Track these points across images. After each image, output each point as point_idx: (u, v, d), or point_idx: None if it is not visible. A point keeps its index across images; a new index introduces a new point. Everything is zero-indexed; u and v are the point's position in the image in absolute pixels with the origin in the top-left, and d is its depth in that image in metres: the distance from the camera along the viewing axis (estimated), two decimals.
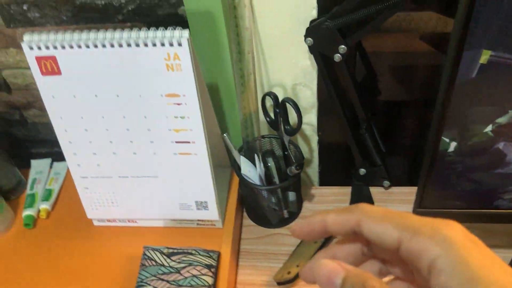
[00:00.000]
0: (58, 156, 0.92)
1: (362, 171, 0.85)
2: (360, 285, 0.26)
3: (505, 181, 0.57)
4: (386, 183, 0.86)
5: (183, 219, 0.78)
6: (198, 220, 0.78)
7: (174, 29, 0.58)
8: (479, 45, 0.44)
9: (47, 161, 0.93)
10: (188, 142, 0.68)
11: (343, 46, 0.68)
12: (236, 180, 0.86)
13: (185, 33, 0.59)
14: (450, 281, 0.25)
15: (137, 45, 0.60)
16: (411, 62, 0.89)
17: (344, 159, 0.92)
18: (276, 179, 0.80)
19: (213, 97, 0.75)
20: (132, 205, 0.77)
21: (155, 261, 0.70)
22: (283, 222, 0.85)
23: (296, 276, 0.75)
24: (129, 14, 0.69)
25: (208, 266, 0.70)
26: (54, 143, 0.91)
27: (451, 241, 0.27)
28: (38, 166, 0.92)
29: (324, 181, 0.94)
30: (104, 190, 0.75)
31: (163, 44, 0.59)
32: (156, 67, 0.61)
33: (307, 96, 0.80)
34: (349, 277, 0.27)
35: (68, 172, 0.91)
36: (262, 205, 0.81)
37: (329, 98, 0.76)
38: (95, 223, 0.81)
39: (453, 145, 0.54)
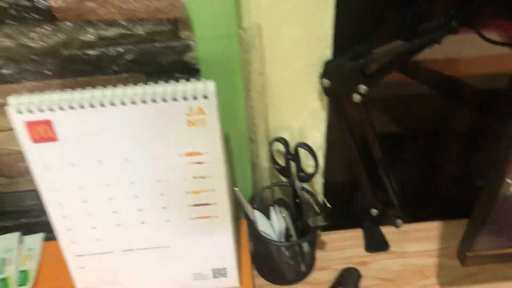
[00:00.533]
0: (27, 228, 0.79)
1: (375, 211, 0.81)
2: None
3: None
4: (399, 222, 0.82)
5: None
6: None
7: (183, 79, 0.51)
8: None
9: (15, 235, 0.79)
10: (209, 204, 0.60)
11: (364, 86, 0.64)
12: (245, 235, 0.78)
13: (211, 85, 0.51)
14: None
15: (154, 100, 0.51)
16: (397, 93, 0.87)
17: (349, 201, 0.87)
18: (293, 232, 0.74)
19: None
20: (138, 281, 0.66)
21: None
22: (300, 276, 0.77)
23: None
24: (127, 64, 0.61)
25: None
26: (22, 213, 0.79)
27: None
28: (5, 243, 0.78)
29: (328, 225, 0.88)
30: (104, 267, 0.64)
31: (185, 98, 0.51)
32: (176, 124, 0.53)
33: (315, 138, 0.75)
34: None
35: (45, 247, 0.78)
36: (278, 261, 0.74)
37: (342, 139, 0.72)
38: None
39: None
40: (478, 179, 0.92)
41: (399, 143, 0.88)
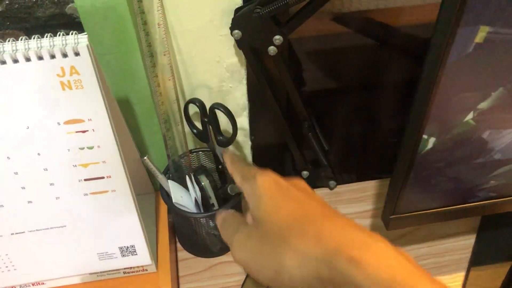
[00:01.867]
0: None
1: (305, 173, 0.76)
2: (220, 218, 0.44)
3: (484, 170, 0.51)
4: (333, 183, 0.77)
5: (105, 271, 0.62)
6: (125, 268, 0.63)
7: (66, 34, 0.43)
8: (477, 21, 0.35)
9: None
10: (102, 178, 0.52)
11: (278, 36, 0.57)
12: (163, 207, 0.71)
13: (83, 38, 0.43)
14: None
15: (16, 61, 0.43)
16: (330, 46, 0.81)
17: (280, 164, 0.82)
18: (214, 200, 0.68)
19: (126, 114, 0.60)
20: (35, 266, 0.59)
21: None
22: (226, 248, 0.72)
23: None
24: None
25: None
26: None
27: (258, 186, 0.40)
28: None
29: None
30: None
31: (53, 56, 0.43)
32: (46, 88, 0.45)
33: (237, 98, 0.68)
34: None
35: None
36: (200, 233, 0.68)
37: (264, 98, 0.65)
38: None
39: (431, 141, 0.45)
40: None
41: (333, 98, 0.82)
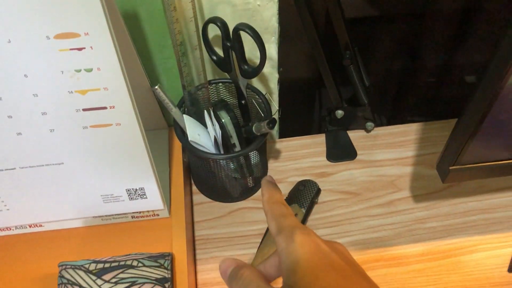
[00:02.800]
0: None
1: (340, 113, 0.66)
2: (236, 272, 0.33)
3: None
4: (370, 125, 0.68)
5: (110, 215, 0.55)
6: (134, 213, 0.55)
7: None
8: None
9: None
10: (104, 108, 0.43)
11: None
12: (177, 145, 0.63)
13: None
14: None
15: None
16: None
17: (309, 102, 0.72)
18: (235, 140, 0.59)
19: (134, 33, 0.50)
20: (31, 206, 0.52)
21: (80, 286, 0.48)
22: (247, 192, 0.64)
23: None
24: None
25: (161, 281, 0.49)
26: None
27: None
28: None
29: (285, 131, 0.73)
30: None
31: None
32: None
33: (265, 20, 0.57)
34: (234, 268, 0.33)
35: None
36: (219, 176, 0.60)
37: (301, 22, 0.54)
38: None
39: None
40: (467, 73, 0.77)
41: (374, 27, 0.70)
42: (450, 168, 0.45)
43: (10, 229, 0.55)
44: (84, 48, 0.39)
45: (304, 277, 0.31)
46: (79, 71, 0.40)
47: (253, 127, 0.54)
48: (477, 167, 0.45)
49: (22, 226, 0.55)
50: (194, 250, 0.60)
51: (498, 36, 0.56)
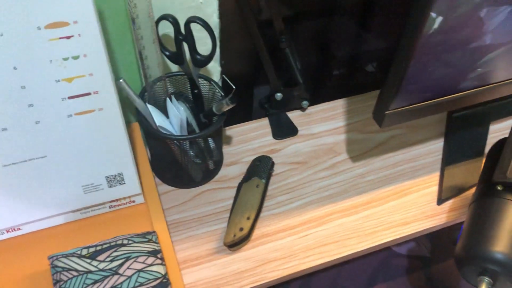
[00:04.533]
0: None
1: (279, 95, 0.74)
2: None
3: (476, 56, 0.53)
4: (305, 103, 0.77)
5: (89, 206, 0.57)
6: (111, 201, 0.58)
7: None
8: None
9: None
10: (88, 94, 0.47)
11: None
12: (138, 139, 0.67)
13: None
14: None
15: None
16: None
17: (249, 90, 0.80)
18: (195, 126, 0.65)
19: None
20: (11, 207, 0.53)
21: (76, 270, 0.50)
22: (208, 175, 0.70)
23: (251, 230, 0.63)
24: None
25: (153, 253, 0.53)
26: None
27: None
28: None
29: (231, 120, 0.80)
30: None
31: None
32: None
33: (207, 15, 0.65)
34: None
35: None
36: (181, 161, 0.65)
37: (239, 10, 0.62)
38: None
39: (438, 21, 0.46)
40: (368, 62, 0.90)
41: (297, 23, 0.80)
42: (385, 113, 0.55)
43: None
44: (73, 36, 0.43)
45: None
46: (66, 59, 0.44)
47: (214, 108, 0.61)
48: (407, 110, 0.56)
49: None
50: (169, 234, 0.64)
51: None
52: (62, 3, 0.41)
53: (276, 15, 0.63)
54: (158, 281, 0.51)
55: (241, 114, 0.80)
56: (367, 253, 0.66)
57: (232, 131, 0.76)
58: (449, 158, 0.72)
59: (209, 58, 0.60)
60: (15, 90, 0.44)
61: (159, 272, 0.51)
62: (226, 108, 0.60)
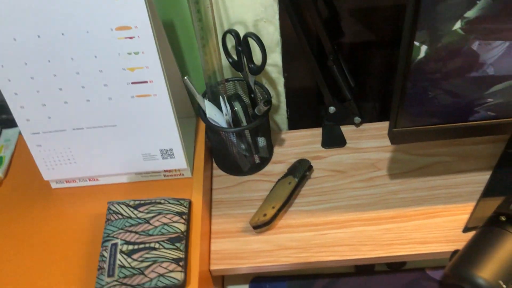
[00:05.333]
0: (7, 123, 0.86)
1: (332, 109, 0.82)
2: None
3: (479, 86, 0.55)
4: (357, 119, 0.84)
5: (148, 172, 0.73)
6: (165, 171, 0.73)
7: None
8: None
9: None
10: (146, 82, 0.63)
11: None
12: (202, 129, 0.81)
13: None
14: None
15: None
16: (371, 4, 0.86)
17: (312, 102, 0.89)
18: (244, 123, 0.77)
19: (170, 37, 0.70)
20: (91, 161, 0.71)
21: (121, 214, 0.66)
22: (254, 168, 0.81)
23: (273, 218, 0.72)
24: None
25: (180, 214, 0.66)
26: (2, 109, 0.85)
27: None
28: None
29: (293, 126, 0.90)
30: (58, 145, 0.69)
31: None
32: None
33: (270, 33, 0.76)
34: None
35: (20, 138, 0.84)
36: (231, 151, 0.78)
37: (293, 29, 0.73)
38: (53, 185, 0.75)
39: (423, 49, 0.51)
40: None
41: (367, 51, 0.87)
42: (393, 130, 0.60)
43: (75, 181, 0.75)
44: (134, 37, 0.59)
45: None
46: (130, 54, 0.60)
47: (256, 109, 0.72)
48: (414, 130, 0.60)
49: (83, 179, 0.74)
50: (211, 209, 0.77)
51: None
52: (128, 12, 0.57)
53: (323, 35, 0.72)
54: (176, 235, 0.64)
55: (302, 122, 0.89)
56: (379, 262, 0.70)
57: (287, 135, 0.86)
58: (489, 191, 0.72)
59: (261, 68, 0.72)
60: (95, 73, 0.62)
61: (179, 229, 0.64)
62: (263, 109, 0.71)
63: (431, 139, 0.62)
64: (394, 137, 0.61)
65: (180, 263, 0.61)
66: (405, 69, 0.53)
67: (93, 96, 0.64)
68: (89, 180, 0.74)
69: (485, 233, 0.57)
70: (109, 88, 0.63)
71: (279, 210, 0.73)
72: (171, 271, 0.60)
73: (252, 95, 0.77)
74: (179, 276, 0.60)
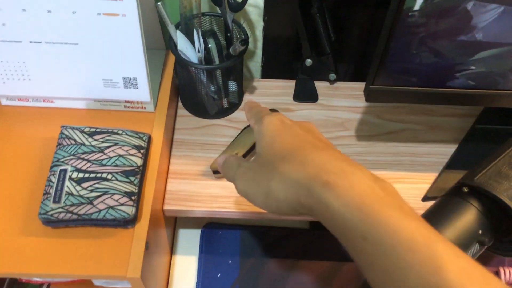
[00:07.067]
0: None
1: (309, 61, 0.79)
2: (224, 160, 0.46)
3: (465, 51, 0.53)
4: (333, 76, 0.81)
5: (108, 100, 0.69)
6: (126, 102, 0.69)
7: None
8: None
9: None
10: (115, 0, 0.57)
11: None
12: (171, 64, 0.77)
13: None
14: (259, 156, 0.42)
15: None
16: None
17: (289, 52, 0.85)
18: (217, 63, 0.73)
19: None
20: (48, 80, 0.66)
21: (74, 140, 0.61)
22: (222, 112, 0.78)
23: None
24: None
25: (137, 147, 0.62)
26: None
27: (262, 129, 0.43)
28: None
29: (266, 75, 0.87)
30: (12, 57, 0.63)
31: None
32: None
33: None
34: (225, 158, 0.47)
35: None
36: (199, 91, 0.74)
37: None
38: (3, 101, 0.69)
39: (419, 2, 0.48)
40: None
41: (352, 8, 0.83)
42: (370, 87, 0.58)
43: (28, 100, 0.69)
44: None
45: (265, 143, 0.41)
46: None
47: (231, 49, 0.68)
48: (391, 90, 0.58)
49: (37, 99, 0.69)
50: (171, 148, 0.73)
51: None
52: None
53: None
54: (131, 168, 0.60)
55: (277, 72, 0.86)
56: None
57: (260, 83, 0.83)
58: (453, 163, 0.72)
59: (241, 5, 0.68)
60: None
61: (135, 162, 0.61)
62: (239, 49, 0.67)
63: (406, 102, 0.61)
64: (369, 94, 0.59)
65: (133, 198, 0.58)
66: (395, 18, 0.50)
67: (55, 6, 0.58)
68: (44, 101, 0.69)
69: (446, 202, 0.57)
70: (72, 0, 0.58)
71: (243, 157, 0.70)
72: (121, 204, 0.57)
73: (229, 34, 0.73)
74: (130, 210, 0.57)
